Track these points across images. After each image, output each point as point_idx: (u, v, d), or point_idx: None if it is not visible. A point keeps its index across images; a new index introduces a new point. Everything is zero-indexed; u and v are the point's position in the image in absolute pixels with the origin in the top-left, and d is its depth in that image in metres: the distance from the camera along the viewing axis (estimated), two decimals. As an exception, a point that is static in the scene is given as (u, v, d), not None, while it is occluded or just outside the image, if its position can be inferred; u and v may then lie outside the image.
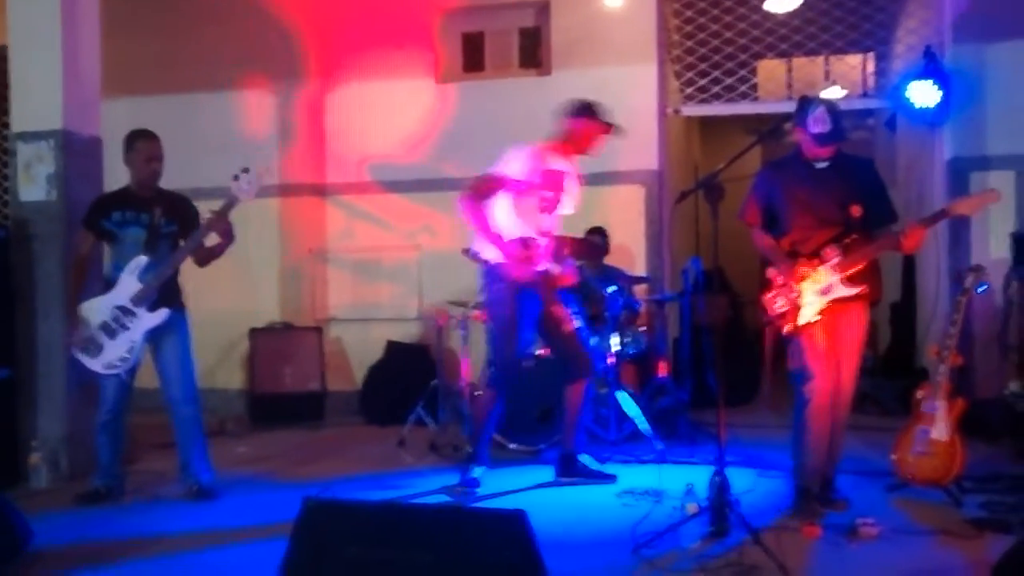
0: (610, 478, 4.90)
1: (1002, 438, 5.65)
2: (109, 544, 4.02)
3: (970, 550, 3.71)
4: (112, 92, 5.77)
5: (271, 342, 7.33)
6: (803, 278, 4.27)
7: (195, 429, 4.78)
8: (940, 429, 4.31)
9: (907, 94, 6.60)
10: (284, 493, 4.73)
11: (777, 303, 4.33)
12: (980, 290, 4.53)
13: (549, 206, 4.82)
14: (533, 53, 7.66)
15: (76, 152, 5.34)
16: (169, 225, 4.72)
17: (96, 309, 4.61)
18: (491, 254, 4.68)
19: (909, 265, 7.99)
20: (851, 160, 4.46)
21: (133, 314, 4.57)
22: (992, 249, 6.40)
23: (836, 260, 4.21)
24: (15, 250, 5.28)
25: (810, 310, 4.25)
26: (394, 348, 7.25)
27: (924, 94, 6.52)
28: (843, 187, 4.28)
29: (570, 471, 4.92)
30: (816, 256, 4.26)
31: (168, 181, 4.91)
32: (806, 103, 4.32)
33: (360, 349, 7.56)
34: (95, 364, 4.59)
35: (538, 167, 4.72)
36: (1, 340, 5.19)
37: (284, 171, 7.66)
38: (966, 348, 5.79)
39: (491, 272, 4.70)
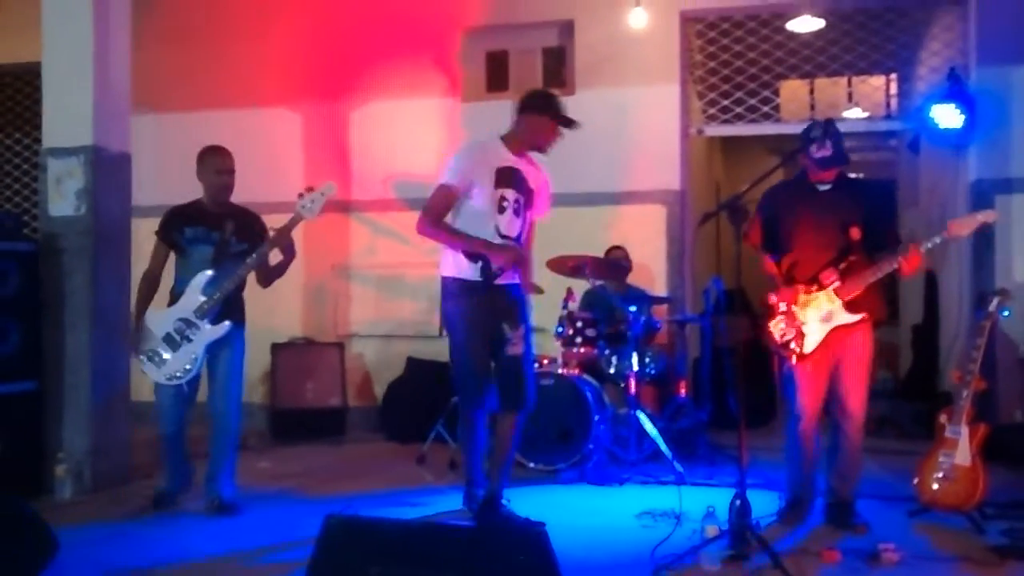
0: (538, 526, 4.23)
1: (1025, 464, 5.61)
2: (131, 560, 4.05)
3: (992, 578, 3.69)
4: (138, 108, 5.85)
5: (293, 358, 7.37)
6: (805, 305, 4.30)
7: (231, 443, 4.85)
8: (963, 454, 4.29)
9: (931, 116, 6.60)
10: (305, 509, 4.75)
11: (781, 331, 4.35)
12: (1004, 314, 4.52)
13: (512, 207, 4.37)
14: (557, 72, 7.69)
15: (106, 168, 5.42)
16: (239, 244, 4.80)
17: (160, 321, 4.72)
18: (447, 269, 4.39)
19: (931, 287, 7.96)
20: (855, 183, 4.55)
21: (196, 327, 4.67)
22: (1016, 272, 6.37)
23: (835, 285, 4.25)
24: (44, 263, 5.35)
25: (813, 339, 4.31)
26: (414, 365, 7.27)
27: (948, 116, 6.51)
28: (844, 209, 4.33)
29: (491, 515, 4.41)
30: (815, 281, 4.30)
31: (195, 195, 4.97)
32: (808, 128, 4.42)
33: (381, 365, 7.60)
34: (158, 375, 4.70)
35: (485, 165, 4.35)
36: (29, 352, 5.25)
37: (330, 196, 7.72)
38: (989, 372, 5.75)
39: (447, 286, 4.40)
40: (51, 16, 5.47)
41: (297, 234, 7.83)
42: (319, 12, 7.80)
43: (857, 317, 4.27)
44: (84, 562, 3.92)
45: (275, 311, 7.62)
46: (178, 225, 4.82)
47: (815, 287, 4.30)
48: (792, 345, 4.32)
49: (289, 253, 4.83)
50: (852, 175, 4.55)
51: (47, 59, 5.50)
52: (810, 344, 4.30)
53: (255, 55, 7.84)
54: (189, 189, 4.98)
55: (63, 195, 5.39)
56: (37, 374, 5.29)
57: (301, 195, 4.69)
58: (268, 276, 4.88)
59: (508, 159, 4.41)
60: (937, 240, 4.24)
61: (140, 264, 5.69)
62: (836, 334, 4.29)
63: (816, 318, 4.30)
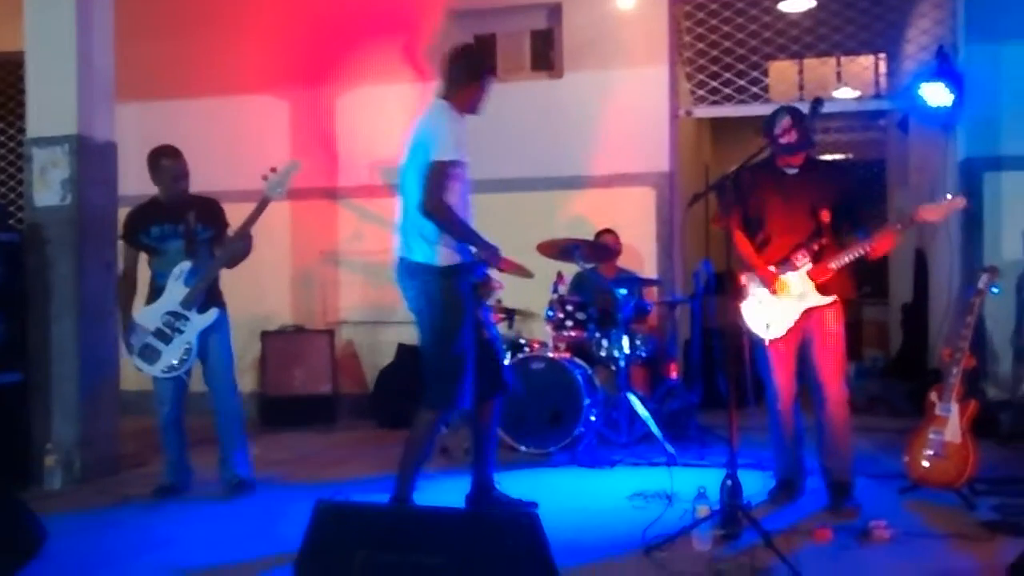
0: (530, 506, 4.33)
1: (1014, 440, 5.63)
2: (120, 549, 4.05)
3: (983, 553, 3.69)
4: (123, 96, 5.80)
5: (282, 345, 7.35)
6: (777, 287, 4.31)
7: (237, 423, 4.95)
8: (953, 431, 4.30)
9: (920, 95, 6.59)
10: (296, 495, 4.73)
11: (753, 312, 4.36)
12: (994, 291, 4.52)
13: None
14: (545, 55, 7.66)
15: (90, 157, 5.38)
16: (205, 231, 4.86)
17: (149, 317, 4.78)
18: (440, 258, 4.07)
19: (921, 266, 7.97)
20: (823, 165, 4.54)
21: (185, 318, 4.75)
22: (1005, 250, 6.38)
23: (808, 267, 4.27)
24: (29, 254, 5.32)
25: (785, 321, 4.32)
26: (405, 351, 7.25)
27: (937, 95, 6.50)
28: (813, 192, 4.34)
29: (484, 503, 4.37)
30: (787, 262, 4.31)
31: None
32: (773, 114, 4.41)
33: (371, 352, 7.58)
34: (154, 370, 4.77)
35: (464, 135, 4.11)
36: (14, 343, 5.23)
37: (294, 174, 7.68)
38: (978, 350, 5.77)
39: (440, 274, 4.08)
40: (34, 4, 5.42)
41: (284, 221, 7.88)
42: (304, -2, 7.75)
43: (829, 299, 4.29)
44: (73, 551, 3.90)
45: (264, 299, 7.61)
46: (142, 227, 4.87)
47: (787, 267, 4.31)
48: (764, 326, 4.33)
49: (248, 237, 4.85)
50: (836, 156, 4.55)
51: (30, 48, 5.44)
52: (782, 326, 4.32)
53: (240, 42, 7.79)
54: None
55: (48, 185, 5.35)
56: (23, 365, 5.27)
57: (266, 176, 4.76)
58: (233, 260, 4.90)
59: (465, 123, 4.20)
60: (899, 226, 4.26)
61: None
62: (807, 315, 4.31)
63: (789, 300, 4.31)
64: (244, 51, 7.79)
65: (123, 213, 5.60)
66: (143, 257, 4.92)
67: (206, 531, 4.27)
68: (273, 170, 4.79)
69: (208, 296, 4.80)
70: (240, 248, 4.84)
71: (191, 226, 4.82)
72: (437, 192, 3.98)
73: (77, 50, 5.32)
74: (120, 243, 5.01)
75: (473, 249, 4.13)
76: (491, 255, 4.16)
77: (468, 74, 4.22)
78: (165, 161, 4.85)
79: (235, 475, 4.87)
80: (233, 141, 7.61)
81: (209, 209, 4.94)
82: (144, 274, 4.95)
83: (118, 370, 5.56)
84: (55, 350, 5.28)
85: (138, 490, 4.95)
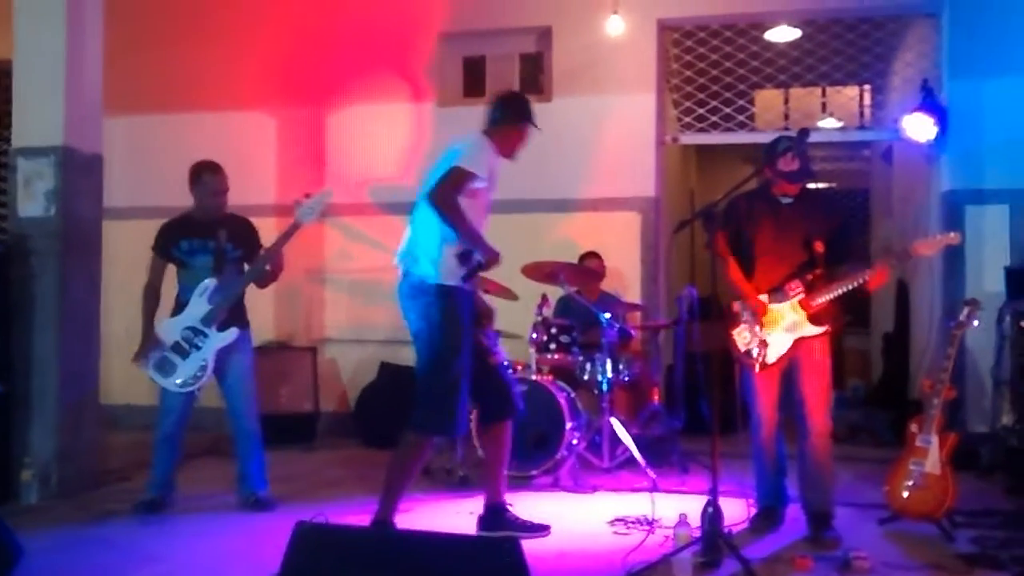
0: (543, 530, 4.42)
1: (993, 473, 5.66)
2: (97, 567, 4.00)
3: (962, 585, 3.71)
4: (112, 110, 5.79)
5: (265, 362, 7.25)
6: (769, 315, 4.32)
7: (256, 443, 4.98)
8: (933, 462, 4.32)
9: (904, 127, 6.66)
10: (277, 515, 4.71)
11: (744, 340, 4.37)
12: (974, 324, 4.55)
13: (490, 208, 4.31)
14: (534, 79, 7.70)
15: (76, 169, 5.35)
16: (235, 251, 4.92)
17: (168, 330, 4.80)
18: (440, 276, 4.10)
19: (903, 296, 8.03)
20: (818, 196, 4.55)
21: (204, 334, 4.77)
22: (986, 283, 6.43)
23: (800, 297, 4.27)
24: (13, 265, 5.28)
25: (776, 349, 4.32)
26: (388, 370, 7.24)
27: (921, 127, 6.58)
28: (807, 223, 4.36)
29: (498, 525, 4.36)
30: (779, 292, 4.32)
31: (170, 200, 4.97)
32: (776, 142, 4.43)
33: (354, 370, 7.56)
34: (168, 383, 4.79)
35: (491, 164, 4.19)
36: (-3, 355, 5.19)
37: (282, 191, 7.68)
38: (959, 382, 5.80)
39: (436, 292, 4.10)
40: (23, 14, 5.40)
41: (271, 237, 7.82)
42: (296, 16, 7.76)
43: (821, 329, 4.30)
44: (48, 568, 3.86)
45: (248, 315, 7.57)
46: (174, 240, 4.92)
47: (780, 297, 4.33)
48: (755, 354, 4.34)
49: (278, 259, 4.95)
50: (819, 186, 4.59)
51: (18, 58, 5.42)
52: (773, 355, 4.32)
53: (231, 59, 7.79)
54: (162, 192, 4.99)
55: (32, 196, 5.32)
56: (4, 377, 5.21)
57: (299, 202, 4.80)
58: (266, 281, 5.02)
59: (497, 161, 4.28)
60: (894, 262, 4.32)
61: (111, 267, 5.66)
62: (796, 344, 4.32)
63: (780, 329, 4.32)
64: (235, 67, 7.80)
65: (108, 226, 5.61)
66: (171, 270, 4.97)
67: (185, 551, 4.22)
68: (308, 195, 4.83)
69: (231, 315, 4.83)
70: (268, 270, 4.90)
71: (221, 244, 4.87)
72: (448, 188, 4.03)
73: (66, 61, 5.30)
74: (151, 253, 5.00)
75: (477, 256, 4.10)
76: (492, 258, 4.11)
77: (510, 117, 4.36)
78: (207, 176, 4.92)
79: (252, 493, 4.92)
80: (222, 157, 7.50)
81: (241, 229, 5.00)
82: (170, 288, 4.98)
83: (99, 384, 5.51)
84: (36, 362, 5.24)
85: (118, 506, 4.92)
